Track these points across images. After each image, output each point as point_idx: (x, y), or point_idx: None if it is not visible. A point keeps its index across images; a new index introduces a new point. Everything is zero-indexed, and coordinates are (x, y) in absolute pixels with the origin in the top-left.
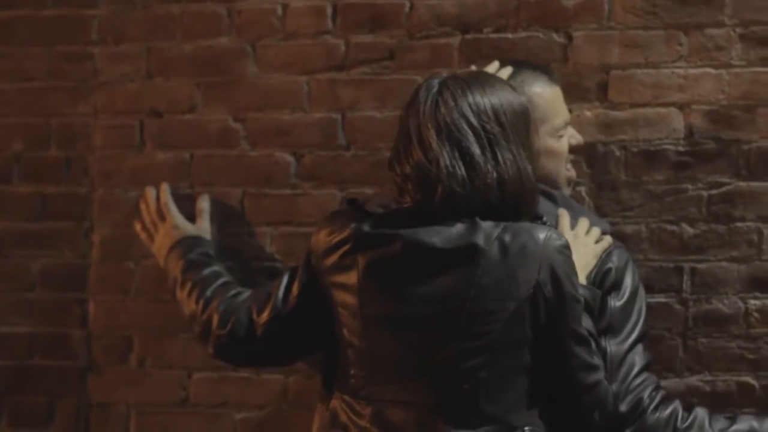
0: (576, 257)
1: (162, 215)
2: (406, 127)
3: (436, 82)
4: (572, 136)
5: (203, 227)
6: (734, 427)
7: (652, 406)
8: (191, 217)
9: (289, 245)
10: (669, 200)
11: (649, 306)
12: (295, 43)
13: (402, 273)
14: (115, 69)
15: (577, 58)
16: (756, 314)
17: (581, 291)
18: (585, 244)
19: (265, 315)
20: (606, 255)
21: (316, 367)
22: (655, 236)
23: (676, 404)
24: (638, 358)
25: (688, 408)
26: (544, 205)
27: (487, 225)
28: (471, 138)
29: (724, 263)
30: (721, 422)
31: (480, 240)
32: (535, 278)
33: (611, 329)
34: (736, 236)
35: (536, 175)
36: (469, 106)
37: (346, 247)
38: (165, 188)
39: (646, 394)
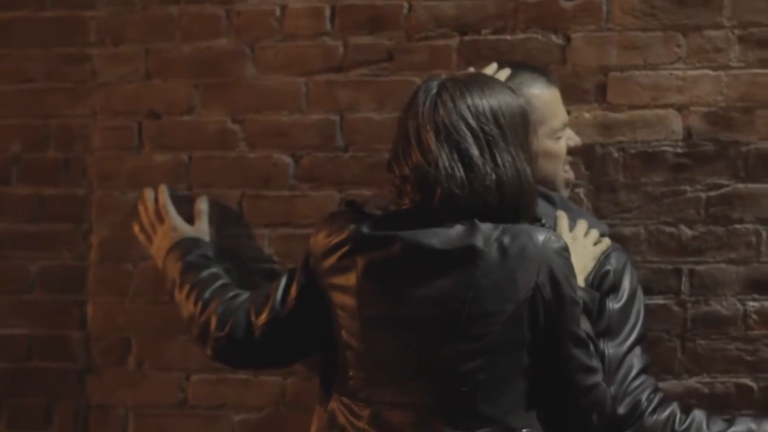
0: (574, 259)
1: (160, 217)
2: (405, 129)
3: (434, 84)
4: (570, 138)
5: (202, 229)
6: (732, 429)
7: (650, 409)
8: (190, 219)
9: (287, 247)
10: (667, 202)
11: (647, 308)
12: (294, 44)
13: (401, 274)
14: (113, 70)
15: (576, 60)
16: (754, 316)
17: (580, 293)
18: (583, 246)
19: (263, 317)
20: (604, 257)
21: (315, 368)
22: (654, 238)
23: (674, 406)
24: (636, 360)
25: (686, 410)
26: (542, 207)
27: (486, 227)
28: (470, 140)
29: (722, 265)
30: (719, 424)
31: (479, 242)
32: (534, 280)
33: (609, 331)
34: (734, 238)
35: (535, 177)
36: (468, 108)
37: (345, 248)
38: (163, 190)
39: (644, 397)
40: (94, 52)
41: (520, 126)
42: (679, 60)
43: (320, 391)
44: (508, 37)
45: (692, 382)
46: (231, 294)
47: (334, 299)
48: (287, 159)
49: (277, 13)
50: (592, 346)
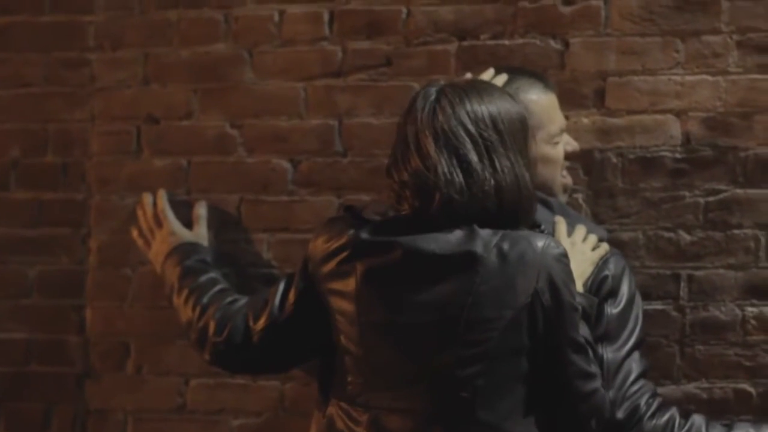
0: (573, 265)
1: (159, 221)
2: (404, 135)
3: (433, 90)
4: (568, 143)
5: (200, 234)
6: None
7: (649, 413)
8: (188, 224)
9: (286, 252)
10: (666, 207)
11: (646, 313)
12: (292, 49)
13: (400, 280)
14: (112, 75)
15: (574, 65)
16: (753, 321)
17: (578, 299)
18: (582, 252)
19: (261, 322)
20: (603, 262)
21: (313, 373)
22: (652, 243)
23: (673, 411)
24: (635, 364)
25: (685, 415)
26: (540, 212)
27: (485, 233)
28: (469, 145)
29: (721, 270)
30: (718, 429)
31: (478, 248)
32: (533, 286)
33: (608, 336)
34: (733, 243)
35: (534, 182)
36: (467, 113)
37: (344, 254)
38: (162, 194)
39: (643, 401)
40: (93, 57)
41: (519, 132)
42: (678, 65)
43: (319, 396)
44: (507, 43)
45: (691, 387)
46: (229, 299)
47: (332, 304)
48: (286, 164)
49: (276, 18)
50: (590, 352)
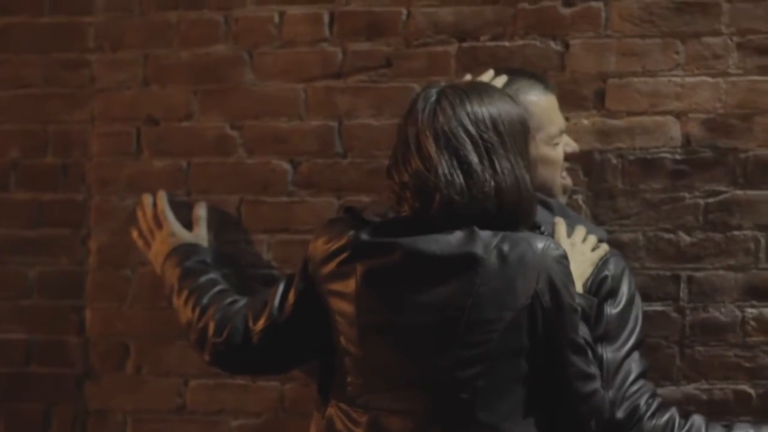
0: (572, 265)
1: (159, 222)
2: (405, 136)
3: (434, 92)
4: (567, 144)
5: (200, 234)
6: None
7: (648, 414)
8: (188, 225)
9: (286, 253)
10: (666, 208)
11: (646, 314)
12: (292, 50)
13: (401, 281)
14: (111, 76)
15: (574, 66)
16: (753, 323)
17: (578, 300)
18: (581, 253)
19: (261, 323)
20: (602, 263)
21: (313, 374)
22: (652, 244)
23: (673, 411)
24: (635, 365)
25: (685, 415)
26: (540, 213)
27: (485, 234)
28: (469, 147)
29: (721, 271)
30: (717, 430)
31: (479, 249)
32: (533, 288)
33: (608, 336)
34: (733, 244)
35: (533, 184)
36: (468, 115)
37: (345, 255)
38: (162, 195)
39: (642, 402)
40: (93, 58)
41: (519, 134)
42: (678, 67)
43: (318, 397)
44: (507, 44)
45: (691, 388)
46: (229, 300)
47: (332, 305)
48: (286, 165)
49: (276, 19)
50: (590, 353)
